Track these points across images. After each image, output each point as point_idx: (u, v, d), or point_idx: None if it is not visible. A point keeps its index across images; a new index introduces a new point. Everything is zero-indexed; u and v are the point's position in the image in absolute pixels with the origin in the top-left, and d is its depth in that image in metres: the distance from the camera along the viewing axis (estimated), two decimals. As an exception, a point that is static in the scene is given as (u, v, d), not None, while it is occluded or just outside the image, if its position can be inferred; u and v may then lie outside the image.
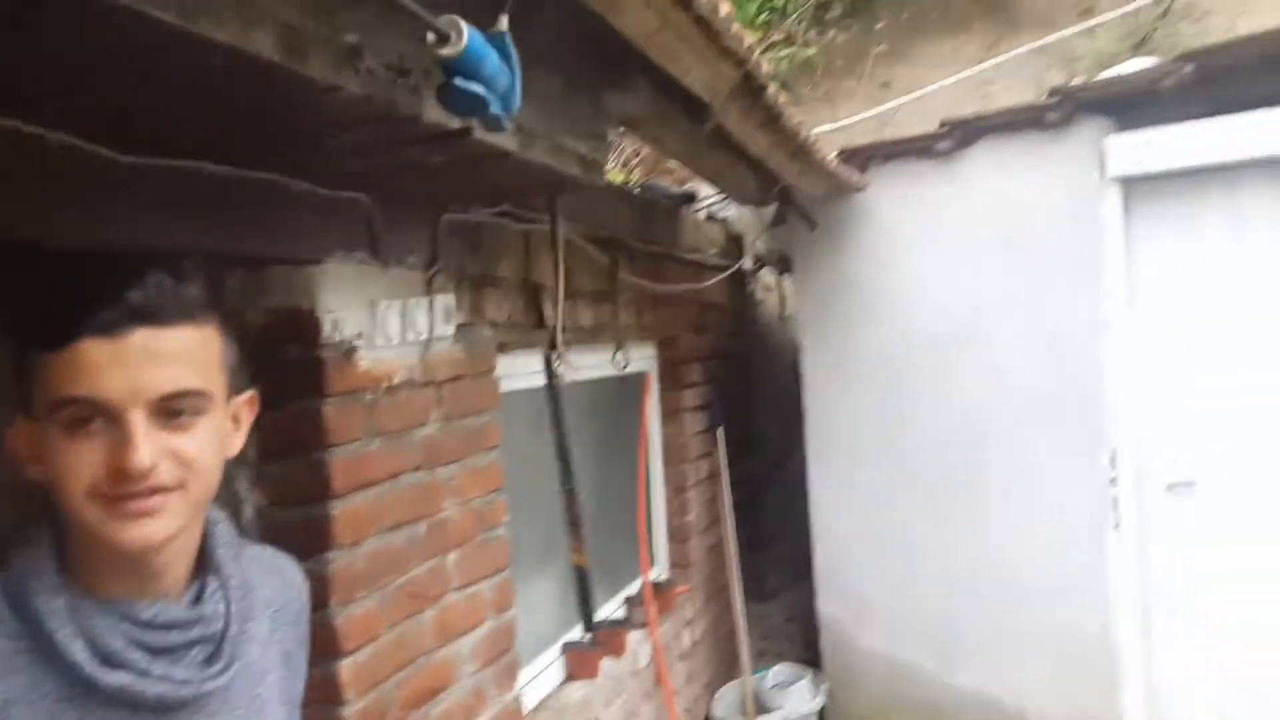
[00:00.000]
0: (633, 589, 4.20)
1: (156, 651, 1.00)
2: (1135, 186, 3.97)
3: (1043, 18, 7.34)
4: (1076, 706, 4.12)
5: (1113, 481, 4.00)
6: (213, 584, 1.09)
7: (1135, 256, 4.02)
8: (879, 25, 7.69)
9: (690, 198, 4.60)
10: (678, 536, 4.54)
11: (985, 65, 6.87)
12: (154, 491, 0.96)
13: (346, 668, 2.12)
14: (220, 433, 1.05)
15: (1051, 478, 4.13)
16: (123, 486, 0.95)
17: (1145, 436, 4.04)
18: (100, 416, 0.95)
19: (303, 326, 2.09)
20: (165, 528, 0.98)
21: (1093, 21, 6.79)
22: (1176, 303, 3.98)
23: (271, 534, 2.10)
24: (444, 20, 1.19)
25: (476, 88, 1.23)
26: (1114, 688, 4.06)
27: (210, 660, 1.05)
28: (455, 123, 1.65)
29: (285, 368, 2.09)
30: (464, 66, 1.22)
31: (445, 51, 1.19)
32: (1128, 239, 4.01)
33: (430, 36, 1.20)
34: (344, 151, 1.83)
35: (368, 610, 2.20)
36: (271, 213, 1.99)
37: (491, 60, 1.25)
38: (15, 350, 1.00)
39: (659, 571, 4.46)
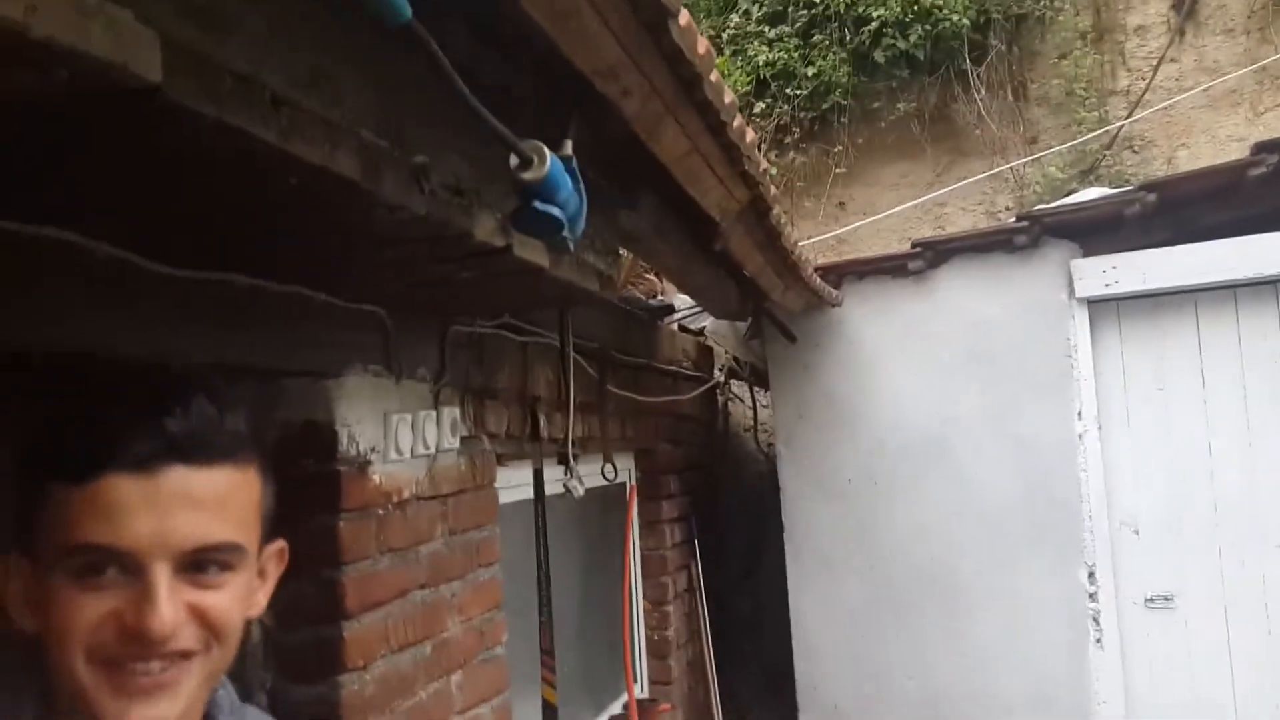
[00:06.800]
0: (615, 708, 4.08)
1: None
2: (1101, 308, 4.14)
3: (990, 144, 7.70)
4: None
5: (1092, 597, 4.04)
6: None
7: (1103, 374, 4.15)
8: (836, 149, 8.00)
9: (668, 309, 4.66)
10: (658, 652, 4.44)
11: (943, 192, 7.16)
12: (170, 659, 0.81)
13: (354, 802, 2.02)
14: (249, 590, 0.91)
15: (1030, 592, 4.15)
16: (134, 649, 0.80)
17: (1122, 551, 4.10)
18: (116, 566, 0.80)
19: (319, 440, 2.06)
20: (177, 705, 0.83)
21: (1042, 152, 7.15)
22: (1145, 419, 4.10)
23: (278, 658, 2.02)
24: (528, 145, 1.22)
25: (554, 210, 1.26)
26: (1100, 807, 4.01)
27: None
28: (500, 240, 1.67)
29: (298, 482, 2.04)
30: (543, 190, 1.24)
31: (528, 175, 1.22)
32: (1095, 357, 4.14)
33: (514, 160, 1.22)
34: (380, 265, 1.83)
35: (375, 738, 2.11)
36: (293, 325, 1.97)
37: (567, 185, 1.27)
38: (20, 475, 0.85)
39: (640, 689, 4.34)
